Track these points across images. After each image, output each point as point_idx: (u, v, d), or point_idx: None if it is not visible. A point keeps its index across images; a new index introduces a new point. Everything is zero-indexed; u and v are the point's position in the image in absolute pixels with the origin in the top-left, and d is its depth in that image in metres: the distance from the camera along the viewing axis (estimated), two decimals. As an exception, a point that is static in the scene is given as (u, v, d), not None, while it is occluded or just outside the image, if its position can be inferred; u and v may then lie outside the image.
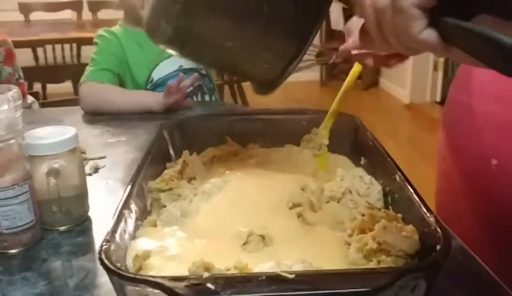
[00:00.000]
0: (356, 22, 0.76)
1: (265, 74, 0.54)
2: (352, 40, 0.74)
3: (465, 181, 0.74)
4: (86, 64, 1.48)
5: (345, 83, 0.83)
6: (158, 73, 1.50)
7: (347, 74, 0.85)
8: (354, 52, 0.71)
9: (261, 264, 0.53)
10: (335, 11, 4.74)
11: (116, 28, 1.52)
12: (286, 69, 0.52)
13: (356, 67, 0.81)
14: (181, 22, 0.49)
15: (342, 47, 0.75)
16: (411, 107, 4.27)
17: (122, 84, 1.48)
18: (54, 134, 0.74)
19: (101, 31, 1.51)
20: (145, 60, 1.48)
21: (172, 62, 1.50)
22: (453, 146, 0.77)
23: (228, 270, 0.50)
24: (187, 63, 1.51)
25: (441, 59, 4.14)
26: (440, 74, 4.18)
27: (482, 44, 0.35)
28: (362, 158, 0.81)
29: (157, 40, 0.53)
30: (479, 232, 0.73)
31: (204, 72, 1.56)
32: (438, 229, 0.52)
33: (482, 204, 0.72)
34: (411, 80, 4.35)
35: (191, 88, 1.45)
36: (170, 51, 0.56)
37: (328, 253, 0.58)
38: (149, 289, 0.45)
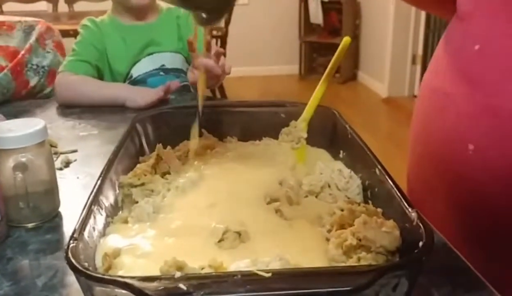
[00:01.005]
0: None
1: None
2: None
3: (439, 166, 0.74)
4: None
5: (324, 74, 0.82)
6: (138, 70, 1.46)
7: (325, 68, 0.83)
8: None
9: (237, 261, 0.51)
10: (314, 5, 4.75)
11: (102, 18, 1.48)
12: None
13: (342, 46, 0.79)
14: None
15: None
16: (389, 101, 4.30)
17: (100, 76, 1.44)
18: (22, 126, 0.70)
19: (85, 20, 1.48)
20: (126, 55, 1.44)
21: (153, 61, 1.46)
22: (427, 132, 0.76)
23: (202, 269, 0.48)
24: (169, 63, 1.48)
25: (420, 53, 4.17)
26: (418, 68, 4.21)
27: None
28: (341, 151, 0.79)
29: None
30: (452, 216, 0.72)
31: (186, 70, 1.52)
32: (421, 225, 0.51)
33: (457, 189, 0.71)
34: (389, 74, 4.37)
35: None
36: None
37: (306, 249, 0.56)
38: (118, 290, 0.43)
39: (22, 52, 1.45)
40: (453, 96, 0.69)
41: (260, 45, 5.03)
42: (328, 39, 4.79)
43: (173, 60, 1.49)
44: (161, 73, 1.47)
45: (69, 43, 1.47)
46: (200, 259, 0.50)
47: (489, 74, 0.65)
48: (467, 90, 0.67)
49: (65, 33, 3.37)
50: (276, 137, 0.85)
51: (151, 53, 1.46)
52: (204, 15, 0.56)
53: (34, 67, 1.46)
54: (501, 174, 0.63)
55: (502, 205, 0.65)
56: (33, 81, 1.44)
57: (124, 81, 1.45)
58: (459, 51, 0.70)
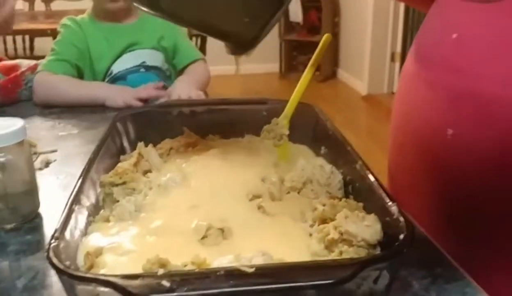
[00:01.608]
0: None
1: (245, 30, 0.51)
2: None
3: (419, 152, 0.75)
4: (40, 57, 1.43)
5: (305, 71, 0.82)
6: (118, 66, 1.45)
7: (305, 66, 0.84)
8: None
9: (220, 258, 0.51)
10: (293, 3, 4.75)
11: (82, 17, 1.47)
12: (268, 23, 0.49)
13: (322, 44, 0.80)
14: None
15: None
16: (369, 99, 4.33)
17: (80, 75, 1.43)
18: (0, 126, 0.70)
19: (65, 20, 1.46)
20: (109, 53, 1.43)
21: (135, 57, 1.46)
22: (407, 120, 0.78)
23: (185, 266, 0.48)
24: (150, 60, 1.47)
25: (398, 51, 4.21)
26: (397, 65, 4.25)
27: None
28: (323, 147, 0.80)
29: (137, 3, 0.49)
30: (431, 200, 0.74)
31: (168, 73, 1.52)
32: (401, 218, 0.51)
33: (437, 174, 0.72)
34: (368, 72, 4.40)
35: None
36: (147, 12, 0.53)
37: (289, 245, 0.56)
38: (101, 289, 0.43)
39: (23, 69, 1.41)
40: (432, 83, 0.71)
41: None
42: (308, 37, 4.81)
43: (154, 57, 1.48)
44: (142, 70, 1.46)
45: (45, 43, 1.45)
46: (183, 256, 0.49)
47: (467, 61, 0.66)
48: (445, 77, 0.68)
49: (42, 33, 3.34)
50: (258, 134, 0.85)
51: (133, 49, 1.45)
52: (233, 45, 0.55)
53: (31, 88, 1.36)
54: (479, 158, 0.65)
55: (479, 188, 0.66)
56: (23, 98, 1.39)
57: (104, 78, 1.44)
58: (437, 40, 0.71)
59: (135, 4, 0.50)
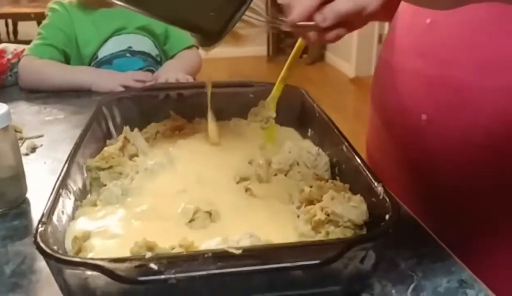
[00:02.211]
0: None
1: (211, 23, 0.51)
2: (296, 12, 0.73)
3: (395, 137, 0.76)
4: (24, 42, 1.40)
5: (292, 52, 0.82)
6: (104, 51, 1.43)
7: (293, 49, 0.83)
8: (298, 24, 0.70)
9: (208, 241, 0.51)
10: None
11: (70, 1, 1.44)
12: (233, 17, 0.50)
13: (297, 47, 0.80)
14: None
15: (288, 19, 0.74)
16: (356, 81, 4.33)
17: (67, 60, 1.41)
18: (-17, 112, 0.69)
19: (53, 3, 1.43)
20: (96, 37, 1.41)
21: (121, 41, 1.44)
22: (383, 104, 0.78)
23: (173, 249, 0.48)
24: (136, 45, 1.45)
25: (386, 33, 4.20)
26: (384, 47, 4.24)
27: None
28: (309, 130, 0.80)
29: None
30: (405, 180, 0.75)
31: (158, 59, 1.50)
32: (387, 198, 0.52)
33: (411, 157, 0.73)
34: (356, 54, 4.40)
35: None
36: (116, 2, 0.52)
37: (276, 226, 0.57)
38: (89, 272, 0.43)
39: (9, 56, 1.38)
40: (406, 69, 0.72)
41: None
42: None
43: (140, 42, 1.46)
44: (128, 54, 1.45)
45: (30, 27, 1.42)
46: (170, 240, 0.50)
47: (440, 47, 0.67)
48: (419, 63, 0.69)
49: (26, 17, 3.30)
50: (245, 117, 0.85)
51: (120, 34, 1.43)
52: (200, 37, 0.56)
53: (16, 74, 1.35)
54: (452, 142, 0.66)
55: (453, 172, 0.68)
56: (9, 83, 1.37)
57: (90, 63, 1.42)
58: (411, 25, 0.72)
59: None
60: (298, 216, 0.58)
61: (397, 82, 0.73)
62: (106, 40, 1.42)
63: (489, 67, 0.61)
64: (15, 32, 3.61)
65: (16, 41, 3.43)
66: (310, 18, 0.51)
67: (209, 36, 0.55)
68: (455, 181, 0.68)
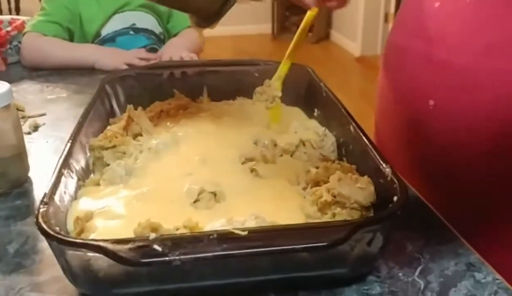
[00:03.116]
0: None
1: (206, 6, 0.51)
2: None
3: (403, 121, 0.75)
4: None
5: (299, 30, 0.80)
6: (107, 29, 1.41)
7: (298, 27, 0.82)
8: None
9: (213, 222, 0.51)
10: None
11: None
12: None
13: (310, 13, 0.78)
14: None
15: None
16: (362, 60, 4.29)
17: (71, 38, 1.39)
18: (-16, 90, 0.68)
19: None
20: (99, 15, 1.39)
21: (124, 19, 1.42)
22: (391, 88, 0.78)
23: (177, 229, 0.48)
24: (140, 22, 1.43)
25: (392, 11, 4.15)
26: (390, 26, 4.17)
27: None
28: (316, 110, 0.79)
29: None
30: (414, 165, 0.74)
31: (162, 37, 1.48)
32: (395, 180, 0.51)
33: (418, 141, 0.73)
34: (362, 33, 4.35)
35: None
36: None
37: (282, 207, 0.56)
38: (91, 254, 0.42)
39: (8, 28, 1.36)
40: (414, 53, 0.70)
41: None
42: (301, -3, 4.73)
43: (144, 20, 1.44)
44: (131, 32, 1.43)
45: (32, 3, 1.40)
46: (175, 220, 0.49)
47: (448, 31, 0.65)
48: (427, 47, 0.68)
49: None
50: (250, 96, 0.84)
51: (122, 11, 1.41)
52: (198, 19, 0.55)
53: (17, 47, 1.34)
54: (459, 127, 0.65)
55: (458, 156, 0.67)
56: (10, 60, 1.35)
57: (93, 41, 1.41)
58: (420, 8, 0.70)
59: None
60: (304, 197, 0.57)
61: (405, 65, 0.72)
62: (109, 18, 1.40)
63: (496, 50, 0.60)
64: (17, 8, 3.58)
65: (19, 18, 3.40)
66: None
67: (205, 18, 0.54)
68: (462, 165, 0.67)
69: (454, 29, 0.64)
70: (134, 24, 1.43)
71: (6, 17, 1.39)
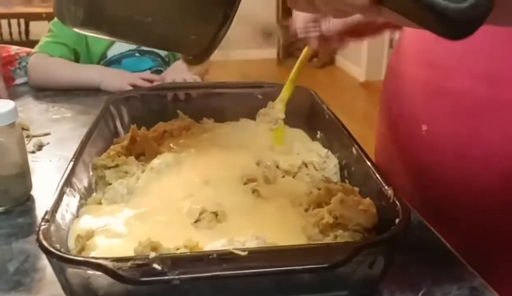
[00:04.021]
0: None
1: (194, 46, 0.51)
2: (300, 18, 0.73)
3: (398, 145, 0.76)
4: (35, 41, 1.40)
5: (302, 54, 0.81)
6: (113, 51, 1.43)
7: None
8: (299, 31, 0.70)
9: (213, 242, 0.50)
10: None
11: None
12: (216, 38, 0.49)
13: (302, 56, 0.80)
14: (92, 3, 0.44)
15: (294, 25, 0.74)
16: (367, 85, 4.31)
17: (77, 58, 1.41)
18: (-10, 108, 0.68)
19: None
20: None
21: None
22: (388, 112, 0.78)
23: (178, 249, 0.47)
24: None
25: (397, 37, 4.18)
26: (394, 52, 4.22)
27: (413, 6, 0.33)
28: (318, 132, 0.79)
29: (70, 25, 0.48)
30: (410, 188, 0.74)
31: (167, 59, 1.49)
32: (397, 202, 0.51)
33: (413, 166, 0.73)
34: (366, 58, 4.38)
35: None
36: (87, 34, 0.51)
37: (283, 229, 0.56)
38: (91, 272, 0.42)
39: (17, 50, 1.37)
40: (411, 78, 0.71)
41: (237, 28, 4.97)
42: (306, 22, 4.77)
43: None
44: (137, 54, 1.44)
45: (41, 27, 1.42)
46: (175, 240, 0.49)
47: (446, 56, 0.66)
48: (423, 72, 0.68)
49: (38, 16, 3.32)
50: (253, 118, 0.84)
51: None
52: (187, 57, 0.55)
53: (25, 68, 1.35)
54: (450, 153, 0.65)
55: (450, 181, 0.67)
56: (18, 80, 1.37)
57: (99, 62, 1.42)
58: (418, 33, 0.71)
59: (67, 25, 0.48)
60: (306, 219, 0.57)
61: (402, 89, 0.73)
62: (114, 41, 1.42)
63: (494, 78, 0.60)
64: (27, 31, 3.63)
65: (28, 40, 3.45)
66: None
67: (195, 56, 0.54)
68: (449, 189, 0.67)
69: (451, 54, 0.65)
70: (139, 46, 1.44)
71: (14, 47, 1.41)
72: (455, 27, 0.33)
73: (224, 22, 0.48)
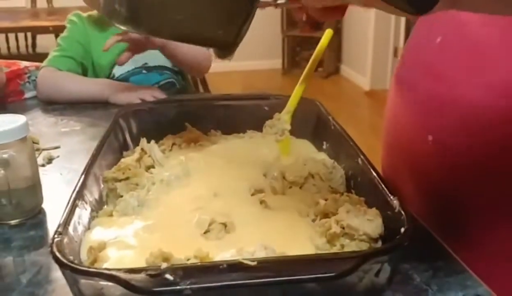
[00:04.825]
0: None
1: (221, 39, 0.54)
2: None
3: (404, 155, 0.76)
4: (42, 54, 1.42)
5: (308, 65, 0.83)
6: (120, 69, 1.44)
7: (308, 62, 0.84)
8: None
9: (223, 252, 0.51)
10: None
11: (90, 13, 1.46)
12: (240, 31, 0.53)
13: (319, 48, 0.80)
14: (132, 2, 0.51)
15: None
16: (372, 94, 4.32)
17: (84, 72, 1.43)
18: (2, 123, 0.70)
19: (72, 15, 1.45)
20: (107, 55, 1.42)
21: (136, 59, 1.43)
22: (395, 123, 0.78)
23: (188, 259, 0.48)
24: (152, 61, 1.46)
25: (401, 45, 4.19)
26: (399, 61, 4.23)
27: None
28: (324, 143, 0.80)
29: (116, 22, 0.53)
30: (417, 200, 0.74)
31: (176, 69, 1.50)
32: (402, 212, 0.51)
33: (419, 177, 0.73)
34: (371, 67, 4.39)
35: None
36: (130, 30, 0.57)
37: (291, 239, 0.57)
38: (104, 283, 0.43)
39: (26, 64, 1.39)
40: (416, 89, 0.71)
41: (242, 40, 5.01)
42: (311, 32, 4.76)
43: (155, 57, 1.46)
44: (144, 71, 1.46)
45: (48, 40, 1.44)
46: (186, 250, 0.50)
47: (448, 67, 0.66)
48: (429, 83, 0.69)
49: (44, 30, 3.36)
50: (260, 130, 0.86)
51: None
52: (216, 50, 0.59)
53: (35, 82, 1.37)
54: (456, 163, 0.65)
55: (457, 192, 0.67)
56: (28, 94, 1.39)
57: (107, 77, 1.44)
58: (423, 44, 0.72)
59: (113, 22, 0.53)
60: (313, 229, 0.58)
61: (407, 100, 0.73)
62: (120, 53, 1.43)
63: (499, 89, 0.60)
64: (34, 45, 3.67)
65: (35, 53, 3.48)
66: None
67: (222, 50, 0.57)
68: (455, 200, 0.67)
69: (456, 65, 0.65)
70: (146, 63, 1.46)
71: (24, 63, 1.43)
72: (417, 2, 0.38)
73: (247, 17, 0.52)
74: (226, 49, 0.56)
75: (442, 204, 0.71)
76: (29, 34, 3.57)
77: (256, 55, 5.12)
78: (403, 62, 0.78)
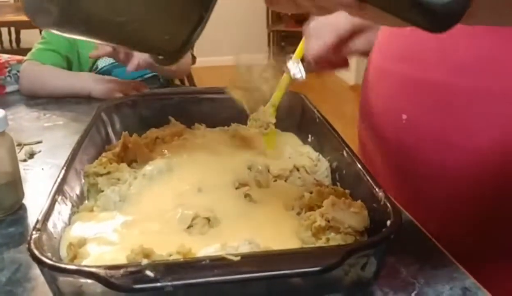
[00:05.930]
0: (314, 25, 0.82)
1: (166, 46, 0.51)
2: (312, 46, 0.76)
3: (378, 135, 0.76)
4: (27, 50, 1.40)
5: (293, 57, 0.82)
6: (103, 61, 1.43)
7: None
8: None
9: (207, 247, 0.50)
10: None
11: None
12: (189, 39, 0.50)
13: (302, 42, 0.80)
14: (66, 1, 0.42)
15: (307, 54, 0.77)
16: (357, 89, 4.33)
17: (69, 66, 1.41)
18: (-20, 117, 0.68)
19: None
20: (94, 44, 1.40)
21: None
22: (369, 105, 0.79)
23: (170, 255, 0.47)
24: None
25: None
26: (385, 55, 4.24)
27: (397, 1, 0.34)
28: (309, 135, 0.79)
29: (42, 24, 0.46)
30: (390, 178, 0.75)
31: None
32: (388, 204, 0.51)
33: (393, 155, 0.74)
34: (356, 62, 4.39)
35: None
36: (58, 33, 0.50)
37: (276, 233, 0.56)
38: (83, 280, 0.42)
39: (7, 58, 1.37)
40: (390, 71, 0.72)
41: (228, 34, 4.99)
42: (296, 27, 4.78)
43: None
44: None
45: (32, 35, 1.42)
46: (168, 246, 0.49)
47: (423, 50, 0.67)
48: (402, 66, 0.70)
49: (28, 25, 3.32)
50: (244, 123, 0.85)
51: None
52: (157, 57, 0.55)
53: (16, 76, 1.35)
54: (429, 139, 0.66)
55: (430, 168, 0.67)
56: (9, 88, 1.36)
57: (90, 70, 1.42)
58: (393, 31, 0.73)
59: (48, 29, 0.47)
60: (298, 222, 0.57)
61: (382, 85, 0.74)
62: None
63: (465, 69, 0.62)
64: (18, 40, 3.62)
65: (19, 49, 3.44)
66: None
67: (167, 56, 0.54)
68: (428, 177, 0.68)
69: (428, 48, 0.66)
70: None
71: (4, 56, 1.41)
72: (438, 20, 0.34)
73: (198, 23, 0.49)
74: (171, 57, 0.53)
75: (415, 180, 0.71)
76: (13, 29, 3.52)
77: (241, 50, 5.10)
78: (377, 49, 0.78)
